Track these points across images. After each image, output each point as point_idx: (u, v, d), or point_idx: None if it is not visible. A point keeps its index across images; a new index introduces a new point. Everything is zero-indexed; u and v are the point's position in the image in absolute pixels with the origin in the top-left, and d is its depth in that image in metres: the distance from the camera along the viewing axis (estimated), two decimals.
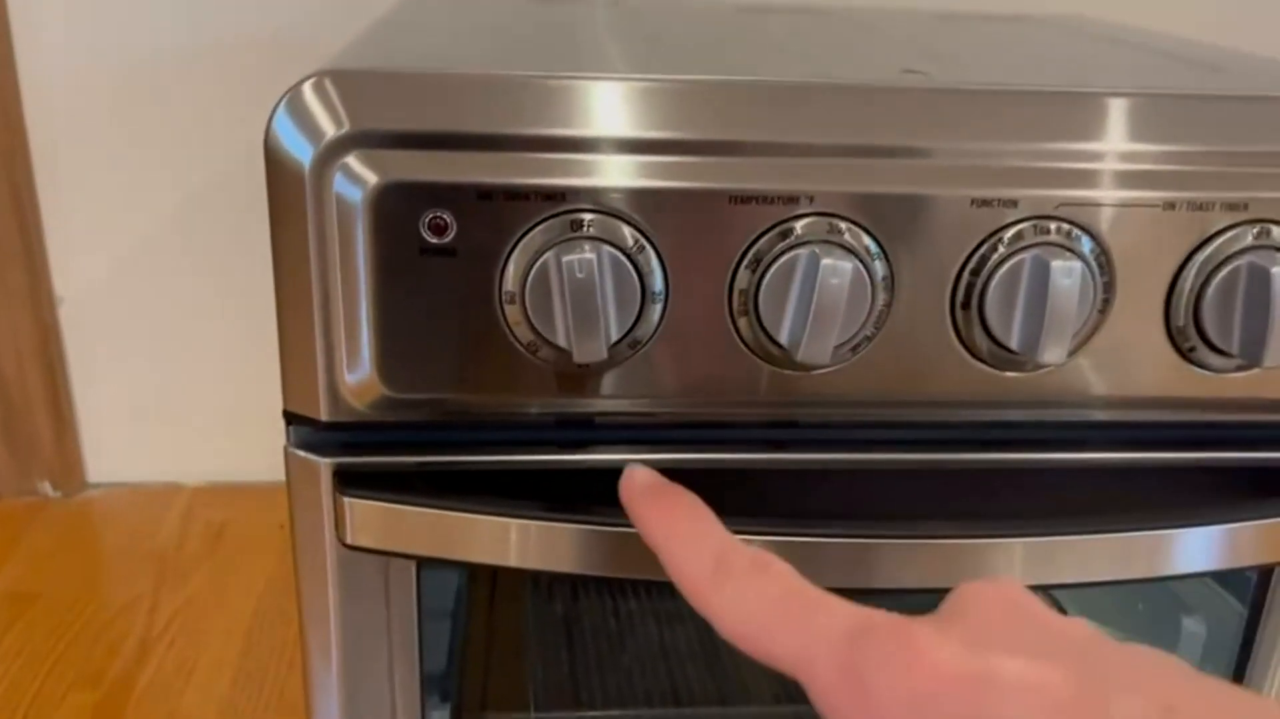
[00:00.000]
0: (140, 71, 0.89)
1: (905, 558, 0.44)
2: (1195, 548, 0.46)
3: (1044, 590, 0.69)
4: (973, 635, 0.28)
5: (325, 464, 0.42)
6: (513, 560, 0.42)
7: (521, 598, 0.78)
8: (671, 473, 0.43)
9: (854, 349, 0.41)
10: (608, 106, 0.39)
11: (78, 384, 0.98)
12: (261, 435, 1.00)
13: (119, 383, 0.98)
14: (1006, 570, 0.45)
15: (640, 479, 0.39)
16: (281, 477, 1.01)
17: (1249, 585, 0.51)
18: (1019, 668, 0.27)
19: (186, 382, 0.98)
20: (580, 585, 0.79)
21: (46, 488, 0.98)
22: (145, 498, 0.98)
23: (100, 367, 0.98)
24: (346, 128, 0.38)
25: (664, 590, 0.78)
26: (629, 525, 0.38)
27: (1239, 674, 0.51)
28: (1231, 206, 0.40)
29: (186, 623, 0.81)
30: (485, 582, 0.80)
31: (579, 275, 0.38)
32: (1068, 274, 0.38)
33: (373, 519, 0.42)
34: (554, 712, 0.66)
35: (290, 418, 0.43)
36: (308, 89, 0.39)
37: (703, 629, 0.74)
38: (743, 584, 0.33)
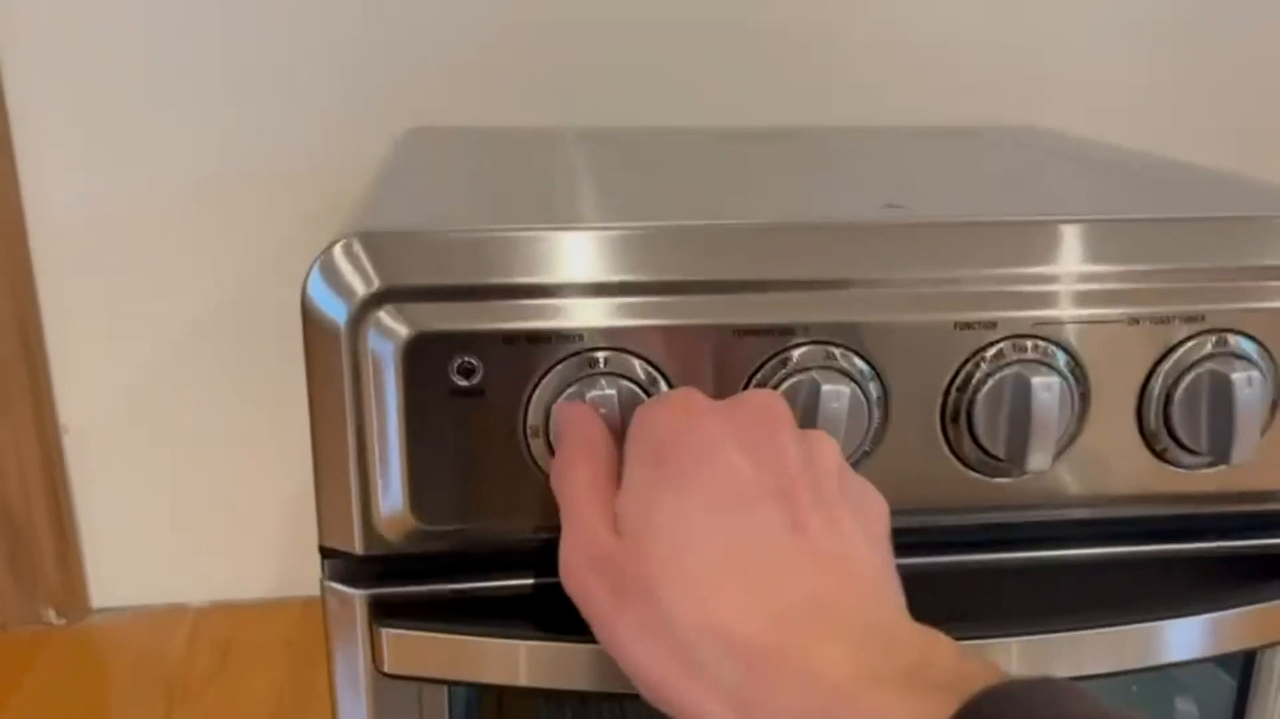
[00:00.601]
0: (142, 202, 0.92)
1: None
2: (1184, 638, 0.49)
3: None
4: (724, 411, 0.39)
5: (360, 596, 0.45)
6: (530, 680, 0.44)
7: (532, 707, 0.79)
8: None
9: (854, 465, 0.44)
10: (617, 253, 0.43)
11: (81, 511, 0.99)
12: (262, 554, 1.02)
13: (121, 508, 0.99)
14: (1002, 667, 0.47)
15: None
16: (285, 592, 1.01)
17: (1239, 663, 0.54)
18: None
19: (187, 504, 1.00)
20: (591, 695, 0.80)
21: (51, 615, 0.99)
22: (150, 620, 0.99)
23: (103, 492, 0.99)
24: (377, 285, 0.41)
25: None
26: None
27: None
28: (1190, 319, 0.44)
29: None
30: (494, 691, 0.81)
31: (600, 411, 0.41)
32: (1047, 389, 0.42)
33: (408, 648, 0.44)
34: None
35: (325, 552, 0.45)
36: (338, 251, 0.42)
37: None
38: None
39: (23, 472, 0.95)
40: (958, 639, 0.46)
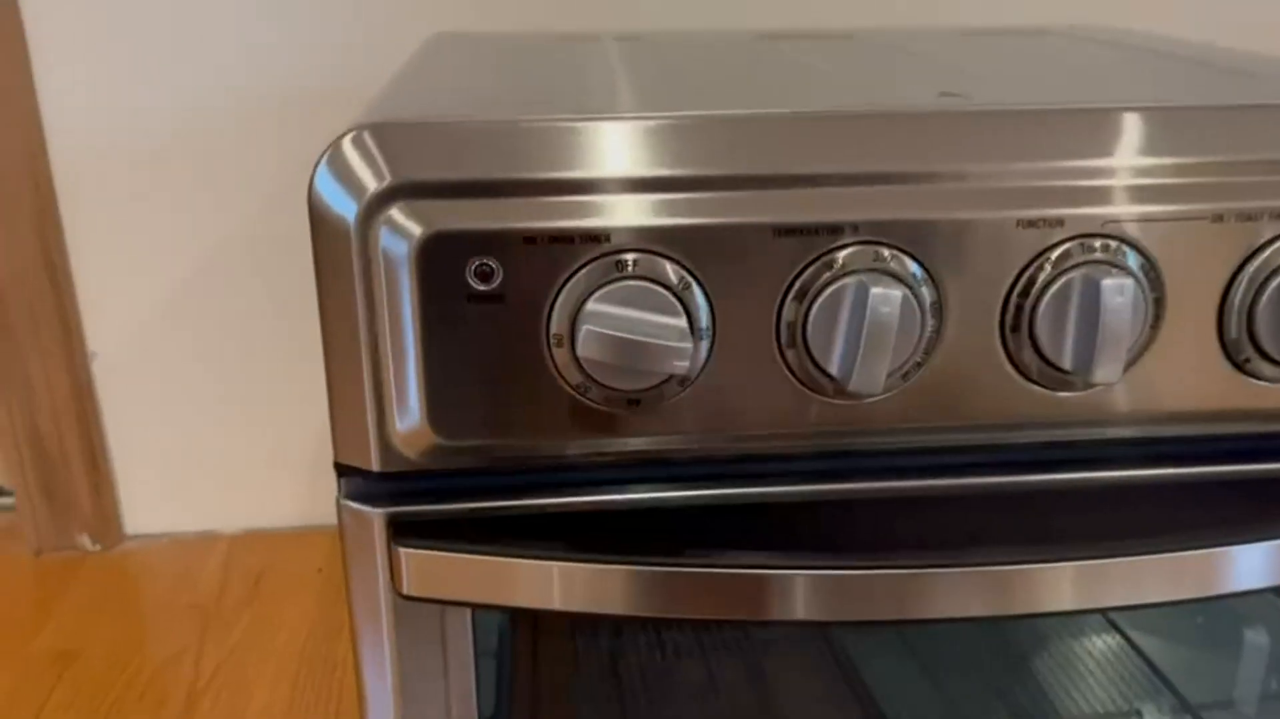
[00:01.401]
0: (161, 128, 0.90)
1: (953, 588, 0.44)
2: (1247, 565, 0.46)
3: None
4: None
5: (378, 515, 0.42)
6: (564, 604, 0.42)
7: (566, 636, 0.78)
8: (722, 509, 0.43)
9: (904, 376, 0.40)
10: (645, 146, 0.39)
11: (113, 438, 0.98)
12: (294, 481, 1.01)
13: (153, 435, 0.99)
14: (1056, 595, 0.44)
15: None
16: (317, 520, 1.00)
17: None
18: None
19: (219, 431, 0.99)
20: (625, 628, 0.79)
21: (85, 542, 0.98)
22: (183, 548, 0.99)
23: (134, 419, 0.98)
24: (388, 180, 0.38)
25: (710, 623, 0.78)
26: (677, 565, 0.38)
27: None
28: (1279, 216, 0.40)
29: (232, 673, 0.81)
30: (528, 620, 0.79)
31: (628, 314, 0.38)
32: (1120, 292, 0.38)
33: (428, 569, 0.42)
34: None
35: (341, 469, 0.43)
36: (347, 143, 0.39)
37: (750, 662, 0.74)
38: None
39: (53, 399, 0.94)
40: (1011, 565, 0.43)
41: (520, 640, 0.77)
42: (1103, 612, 0.68)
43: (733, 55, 0.63)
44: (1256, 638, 0.54)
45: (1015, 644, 0.74)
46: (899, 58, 0.58)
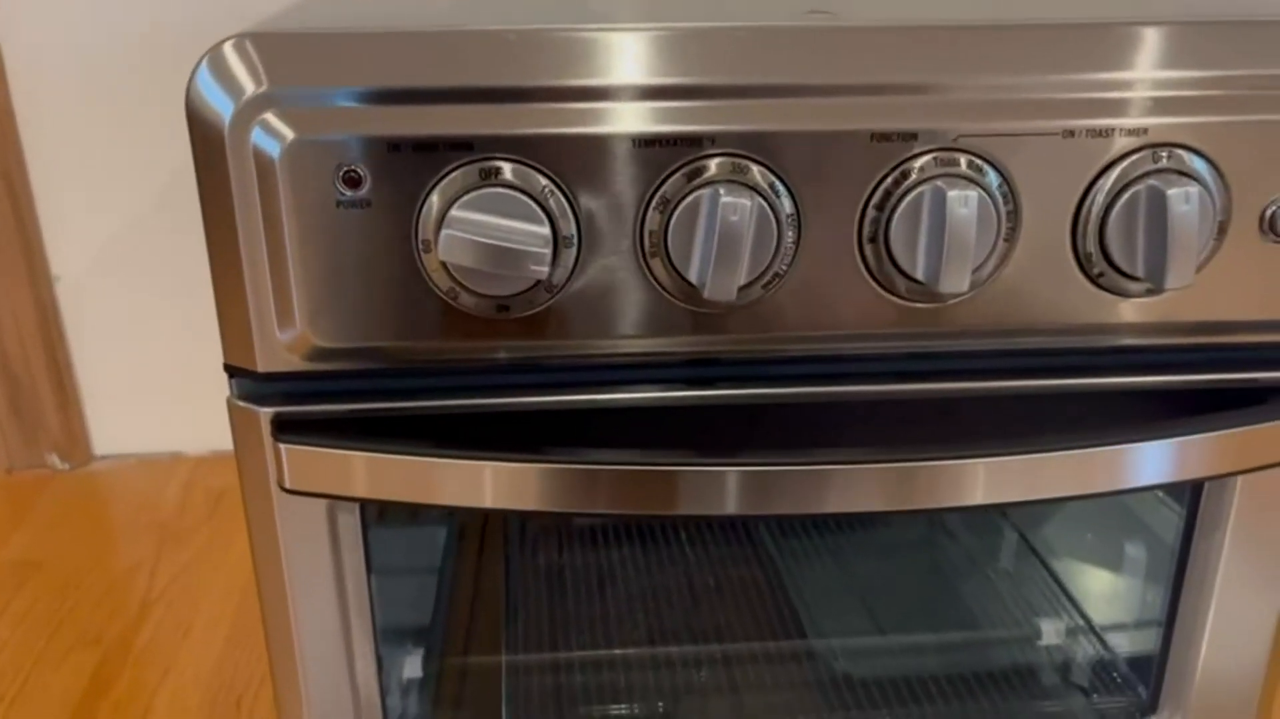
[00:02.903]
0: (124, 51, 0.91)
1: (871, 481, 0.45)
2: (1139, 464, 0.47)
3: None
4: None
5: (264, 413, 0.44)
6: (436, 498, 0.44)
7: (506, 550, 0.80)
8: (599, 413, 0.45)
9: (765, 286, 0.42)
10: (509, 57, 0.40)
11: (79, 360, 1.01)
12: None
13: (119, 358, 1.01)
14: (970, 490, 0.46)
15: None
16: None
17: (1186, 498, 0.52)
18: None
19: (184, 353, 1.01)
20: (564, 539, 0.81)
21: (54, 460, 1.01)
22: (149, 468, 1.01)
23: (100, 343, 1.00)
24: (265, 86, 0.40)
25: (644, 539, 0.80)
26: (547, 461, 0.40)
27: (1176, 588, 0.52)
28: (1132, 132, 0.41)
29: (185, 585, 0.83)
30: (473, 537, 0.82)
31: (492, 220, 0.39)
32: (964, 203, 0.39)
33: (308, 463, 0.44)
34: (532, 654, 0.68)
35: (231, 370, 0.45)
36: (228, 48, 0.40)
37: (681, 575, 0.76)
38: None
39: (18, 321, 0.96)
40: (925, 461, 0.45)
41: (462, 557, 0.80)
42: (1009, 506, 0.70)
43: None
44: (1136, 552, 0.55)
45: (938, 564, 0.76)
46: None
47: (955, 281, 0.40)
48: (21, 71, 0.90)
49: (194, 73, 0.40)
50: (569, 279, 0.42)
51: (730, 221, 0.39)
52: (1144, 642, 0.58)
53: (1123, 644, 0.61)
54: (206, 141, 0.40)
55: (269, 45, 0.40)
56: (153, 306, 0.99)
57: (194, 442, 1.04)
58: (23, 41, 0.90)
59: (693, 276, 0.41)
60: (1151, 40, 0.41)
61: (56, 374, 0.99)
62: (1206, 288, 0.43)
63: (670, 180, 0.41)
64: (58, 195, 0.94)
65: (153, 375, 1.02)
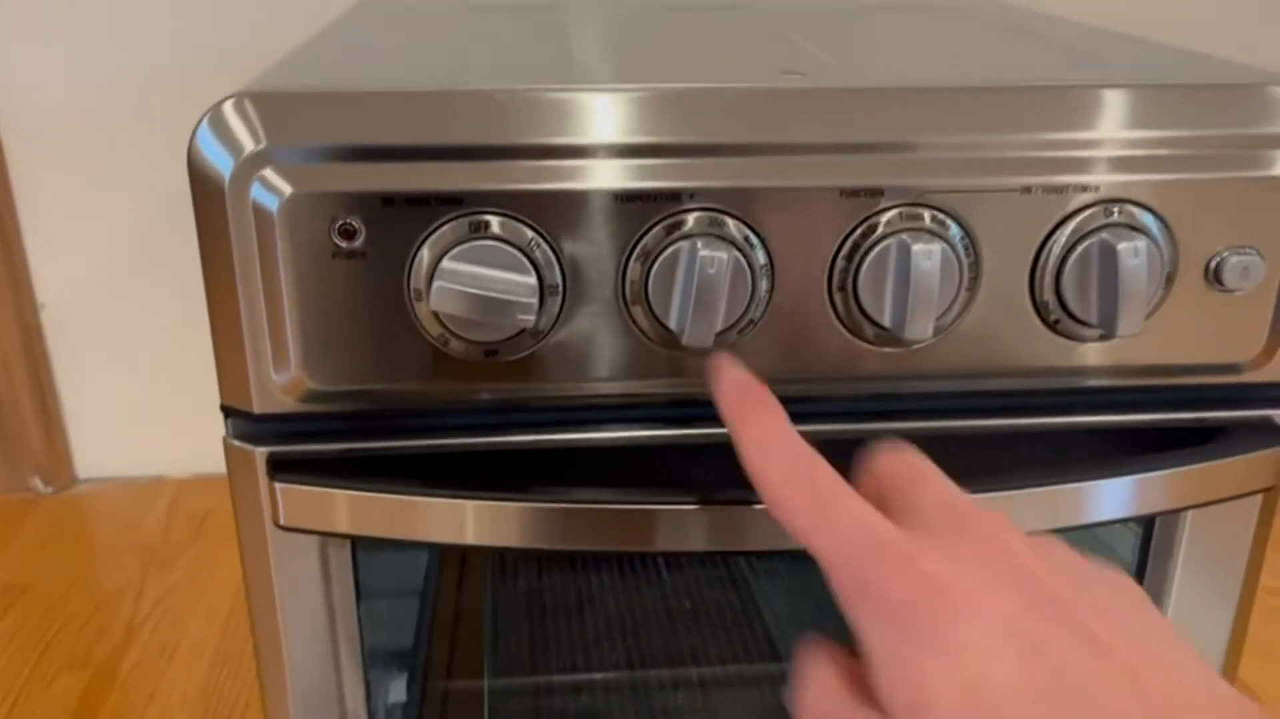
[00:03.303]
0: (115, 80, 0.92)
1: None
2: (1090, 501, 0.49)
3: None
4: (949, 552, 0.32)
5: (260, 453, 0.46)
6: (422, 535, 0.46)
7: (488, 576, 0.82)
8: (582, 452, 0.47)
9: (740, 331, 0.44)
10: (502, 114, 0.42)
11: (64, 385, 1.02)
12: None
13: (104, 382, 1.02)
14: None
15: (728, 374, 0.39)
16: None
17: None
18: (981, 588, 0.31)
19: (168, 379, 1.02)
20: (544, 564, 0.83)
21: (38, 484, 1.02)
22: (132, 491, 1.03)
23: (85, 367, 1.01)
24: (264, 143, 0.42)
25: (623, 565, 0.82)
26: (527, 500, 0.42)
27: None
28: (1084, 188, 0.43)
29: (170, 608, 0.85)
30: (454, 562, 0.84)
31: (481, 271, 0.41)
32: (928, 257, 0.42)
33: (303, 501, 0.45)
34: (513, 678, 0.70)
35: (227, 411, 0.46)
36: (228, 108, 0.42)
37: (659, 599, 0.78)
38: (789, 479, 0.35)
39: (3, 347, 0.97)
40: None
41: (444, 580, 0.81)
42: None
43: (600, 25, 0.65)
44: None
45: None
46: (761, 34, 0.61)
47: (920, 329, 0.42)
48: (13, 95, 0.92)
49: (195, 131, 0.42)
50: (554, 326, 0.44)
51: (708, 274, 0.41)
52: None
53: None
54: (207, 197, 0.42)
55: (267, 104, 0.42)
56: (137, 333, 1.00)
57: (177, 465, 1.05)
58: (16, 65, 0.91)
59: (672, 324, 0.43)
60: (1105, 102, 0.44)
61: (40, 398, 1.00)
62: (1156, 333, 0.46)
63: (650, 233, 0.43)
64: (44, 223, 0.96)
65: (136, 400, 1.03)
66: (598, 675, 0.70)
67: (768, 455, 0.36)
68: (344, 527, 0.45)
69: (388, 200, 0.41)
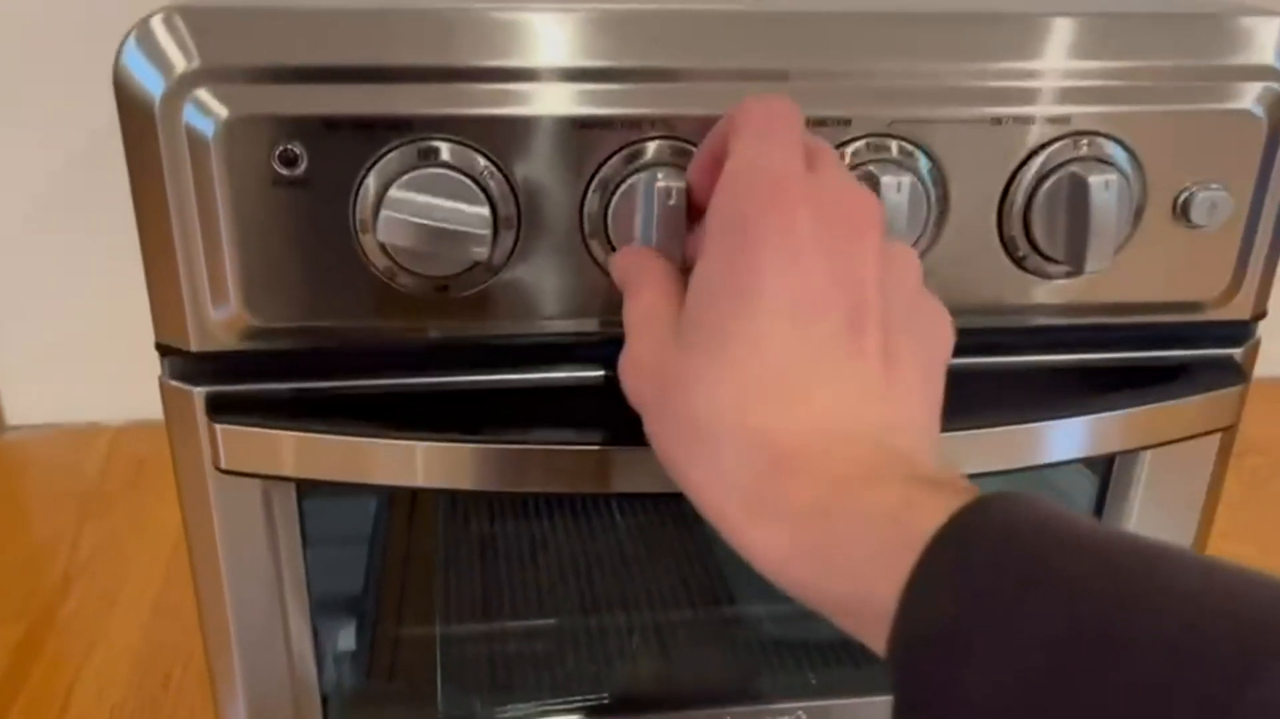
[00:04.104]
0: (45, 7, 0.88)
1: None
2: (1057, 440, 0.49)
3: None
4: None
5: (198, 393, 0.44)
6: (367, 478, 0.44)
7: (437, 521, 0.80)
8: (538, 392, 0.45)
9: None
10: (453, 34, 0.40)
11: None
12: None
13: (34, 324, 0.98)
14: None
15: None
16: None
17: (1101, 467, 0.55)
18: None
19: (103, 319, 0.98)
20: (496, 508, 0.82)
21: None
22: (67, 437, 0.99)
23: (14, 308, 0.97)
24: (197, 62, 0.39)
25: (575, 509, 0.81)
26: (480, 441, 0.41)
27: None
28: (1054, 120, 0.42)
29: (109, 557, 0.82)
30: (403, 508, 0.82)
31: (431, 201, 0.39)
32: (897, 189, 0.40)
33: (244, 444, 0.43)
34: (464, 624, 0.68)
35: (163, 349, 0.44)
36: (157, 23, 0.40)
37: (612, 543, 0.77)
38: None
39: None
40: None
41: (393, 526, 0.80)
42: None
43: None
44: None
45: None
46: None
47: None
48: None
49: (120, 48, 0.40)
50: (508, 260, 0.42)
51: (668, 205, 0.40)
52: None
53: None
54: (136, 119, 0.39)
55: (200, 20, 0.40)
56: (68, 272, 0.96)
57: (113, 410, 1.02)
58: None
59: None
60: (1076, 31, 0.43)
61: None
62: (1122, 270, 0.45)
63: (609, 162, 0.41)
64: None
65: (68, 343, 0.99)
66: (552, 621, 0.69)
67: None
68: (289, 469, 0.44)
69: (331, 125, 0.39)
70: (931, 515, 0.29)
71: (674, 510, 0.81)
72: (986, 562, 0.28)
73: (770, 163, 0.35)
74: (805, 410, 0.33)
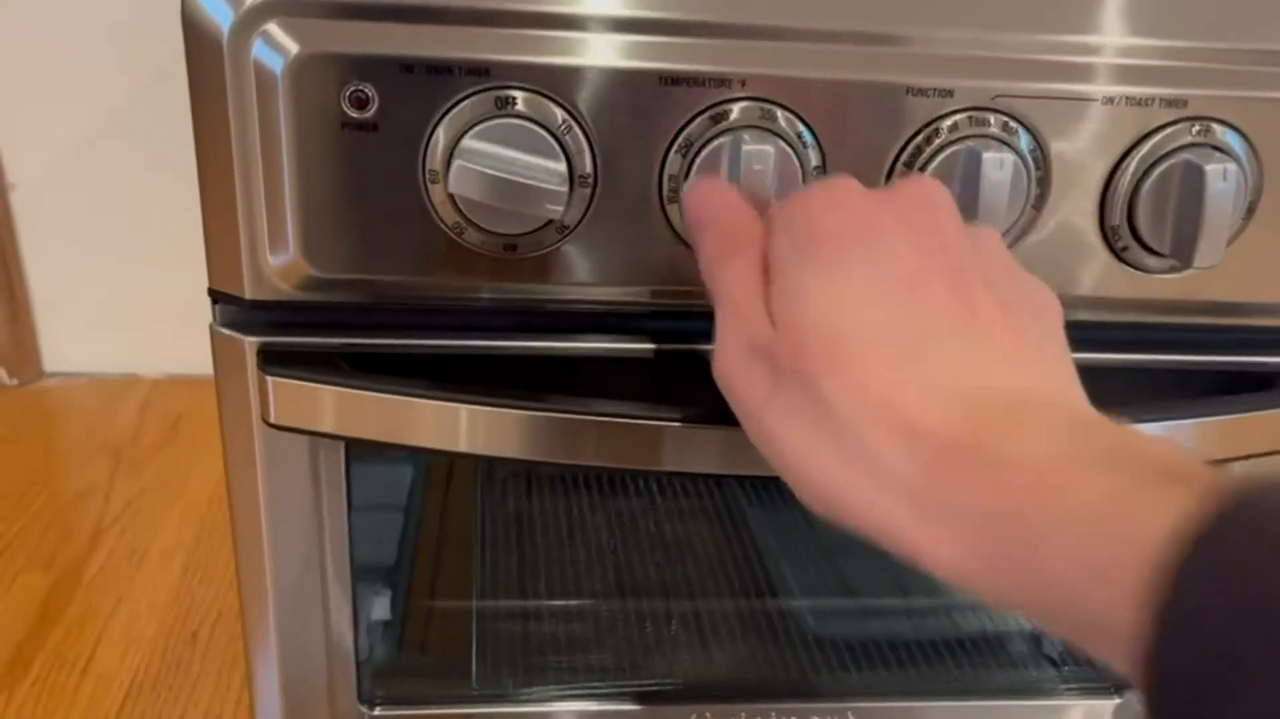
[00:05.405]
0: None
1: None
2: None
3: None
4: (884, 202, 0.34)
5: (250, 343, 0.42)
6: (433, 442, 0.42)
7: (474, 492, 0.79)
8: (601, 361, 0.43)
9: None
10: None
11: (32, 273, 0.97)
12: None
13: (77, 272, 0.97)
14: None
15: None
16: None
17: None
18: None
19: (146, 272, 0.97)
20: (534, 484, 0.80)
21: (2, 375, 0.98)
22: (103, 388, 0.98)
23: (56, 256, 0.96)
24: None
25: (615, 489, 0.79)
26: (545, 409, 0.38)
27: None
28: (1171, 103, 0.40)
29: (140, 511, 0.81)
30: (440, 478, 0.80)
31: (754, 169, 0.37)
32: (999, 166, 0.38)
33: (295, 398, 0.42)
34: (500, 600, 0.67)
35: (216, 296, 0.42)
36: None
37: (652, 527, 0.75)
38: None
39: None
40: None
41: (429, 498, 0.78)
42: None
43: None
44: None
45: None
46: None
47: None
48: None
49: None
50: (581, 220, 0.40)
51: (754, 170, 0.37)
52: None
53: None
54: (202, 52, 0.38)
55: None
56: (115, 222, 0.95)
57: (151, 364, 1.01)
58: None
59: None
60: (1198, 9, 0.40)
61: (8, 285, 0.95)
62: (1227, 268, 0.42)
63: (694, 123, 0.39)
64: (16, 100, 0.90)
65: (111, 292, 0.98)
66: (588, 602, 0.67)
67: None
68: (329, 426, 0.42)
69: (406, 67, 0.37)
70: (1156, 510, 0.25)
71: (715, 495, 0.80)
72: (1261, 575, 0.23)
73: (826, 183, 0.35)
74: (948, 390, 0.30)
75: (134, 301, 0.98)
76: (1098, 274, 0.42)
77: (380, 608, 0.59)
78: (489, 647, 0.62)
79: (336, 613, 0.49)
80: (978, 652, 0.64)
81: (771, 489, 0.79)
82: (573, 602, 0.67)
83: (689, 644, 0.65)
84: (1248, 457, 0.47)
